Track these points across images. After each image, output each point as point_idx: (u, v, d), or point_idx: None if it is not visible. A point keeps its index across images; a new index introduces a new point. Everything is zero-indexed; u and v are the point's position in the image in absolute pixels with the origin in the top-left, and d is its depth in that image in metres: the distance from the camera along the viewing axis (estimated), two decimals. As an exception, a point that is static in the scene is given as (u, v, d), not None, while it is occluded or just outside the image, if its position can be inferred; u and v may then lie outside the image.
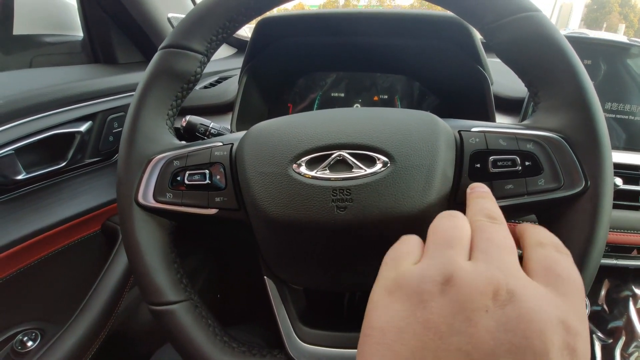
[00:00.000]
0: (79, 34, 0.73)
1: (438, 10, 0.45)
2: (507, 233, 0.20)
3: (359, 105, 0.65)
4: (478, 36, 0.51)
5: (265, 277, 0.33)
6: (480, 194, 0.24)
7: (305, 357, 0.31)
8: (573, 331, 0.16)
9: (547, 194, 0.27)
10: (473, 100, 0.53)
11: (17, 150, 0.48)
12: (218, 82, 0.69)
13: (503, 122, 0.42)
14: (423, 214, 0.26)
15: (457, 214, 0.21)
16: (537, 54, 0.28)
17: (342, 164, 0.28)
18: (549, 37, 0.28)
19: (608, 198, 0.26)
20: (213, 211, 0.31)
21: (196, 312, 0.32)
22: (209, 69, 0.61)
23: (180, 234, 0.35)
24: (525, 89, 0.50)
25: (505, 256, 0.18)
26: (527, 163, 0.27)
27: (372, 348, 0.17)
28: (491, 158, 0.28)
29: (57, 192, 0.54)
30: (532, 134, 0.28)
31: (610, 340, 0.54)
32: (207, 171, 0.31)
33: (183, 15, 0.35)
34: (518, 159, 0.27)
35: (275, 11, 0.47)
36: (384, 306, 0.18)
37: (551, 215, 0.28)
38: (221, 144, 0.32)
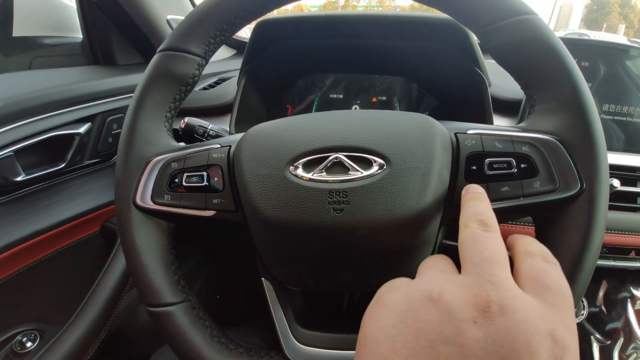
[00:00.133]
0: (79, 35, 0.74)
1: (436, 13, 0.46)
2: (500, 242, 0.20)
3: (357, 106, 0.66)
4: (475, 38, 0.51)
5: (262, 278, 0.33)
6: (474, 194, 0.24)
7: (302, 358, 0.31)
8: (561, 343, 0.16)
9: (543, 196, 0.27)
10: (471, 101, 0.54)
11: (16, 151, 0.48)
12: (217, 83, 0.69)
13: (500, 124, 0.42)
14: (419, 216, 0.26)
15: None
16: (532, 56, 0.28)
17: (338, 166, 0.28)
18: (544, 40, 0.28)
19: (603, 200, 0.26)
20: (210, 213, 0.31)
21: (194, 314, 0.32)
22: (208, 70, 0.61)
23: (178, 235, 0.35)
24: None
25: (496, 269, 0.18)
26: (522, 165, 0.27)
27: (367, 357, 0.18)
28: (487, 160, 0.28)
29: (56, 194, 0.54)
30: (527, 136, 0.28)
31: (609, 342, 0.54)
32: (204, 173, 0.31)
33: (182, 17, 0.35)
34: (514, 161, 0.27)
35: (275, 12, 0.47)
36: (376, 316, 0.19)
37: (547, 218, 0.28)
38: (219, 146, 0.33)
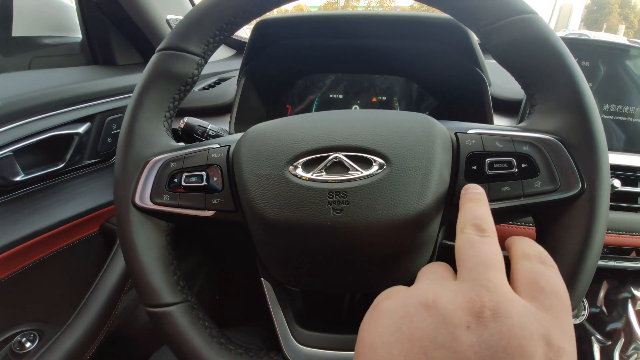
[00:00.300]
0: (78, 35, 0.74)
1: (436, 12, 0.45)
2: (496, 247, 0.20)
3: (357, 106, 0.65)
4: (475, 38, 0.51)
5: (262, 279, 0.33)
6: (473, 196, 0.24)
7: (302, 358, 0.31)
8: (555, 347, 0.16)
9: (544, 196, 0.27)
10: (471, 101, 0.53)
11: (15, 151, 0.48)
12: (217, 83, 0.69)
13: (500, 124, 0.42)
14: (419, 216, 0.26)
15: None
16: (533, 56, 0.28)
17: (338, 166, 0.28)
18: (545, 40, 0.28)
19: (605, 200, 0.26)
20: (210, 213, 0.31)
21: (193, 314, 0.32)
22: (207, 70, 0.61)
23: (177, 235, 0.35)
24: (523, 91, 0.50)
25: (491, 273, 0.18)
26: (523, 165, 0.27)
27: None
28: (487, 160, 0.28)
29: (56, 194, 0.54)
30: (528, 136, 0.28)
31: (609, 342, 0.54)
32: (204, 173, 0.31)
33: (181, 17, 0.35)
34: (514, 161, 0.27)
35: (275, 12, 0.47)
36: (373, 323, 0.19)
37: (548, 218, 0.28)
38: (218, 146, 0.32)
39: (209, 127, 0.48)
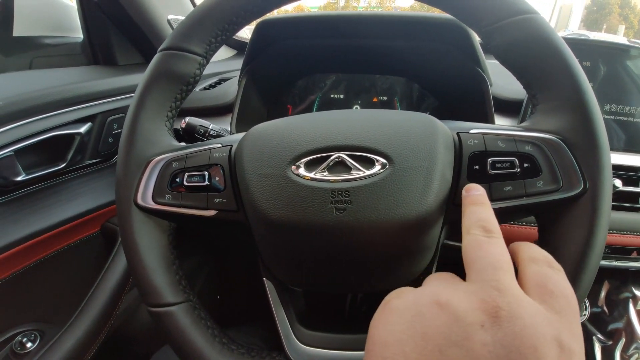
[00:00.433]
0: (79, 35, 0.74)
1: (437, 12, 0.45)
2: (503, 248, 0.20)
3: (358, 106, 0.66)
4: (477, 38, 0.51)
5: (264, 278, 0.33)
6: (475, 199, 0.24)
7: (304, 358, 0.31)
8: (567, 348, 0.16)
9: (546, 195, 0.27)
10: (472, 102, 0.53)
11: (16, 151, 0.48)
12: (218, 83, 0.69)
13: (502, 124, 0.42)
14: (422, 215, 0.26)
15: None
16: (535, 56, 0.28)
17: (340, 166, 0.28)
18: (546, 40, 0.28)
19: (607, 199, 0.26)
20: (212, 213, 0.31)
21: (195, 314, 0.32)
22: (208, 70, 0.61)
23: (179, 235, 0.35)
24: (524, 91, 0.50)
25: (501, 274, 0.18)
26: (525, 165, 0.27)
27: None
28: (490, 160, 0.28)
29: (57, 194, 0.54)
30: (530, 135, 0.28)
31: (610, 342, 0.54)
32: (206, 173, 0.31)
33: (182, 17, 0.35)
34: (517, 160, 0.27)
35: (275, 13, 0.47)
36: (384, 320, 0.19)
37: (550, 217, 0.28)
38: (220, 145, 0.32)
39: (210, 127, 0.48)
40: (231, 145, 0.32)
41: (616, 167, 0.49)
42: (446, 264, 0.33)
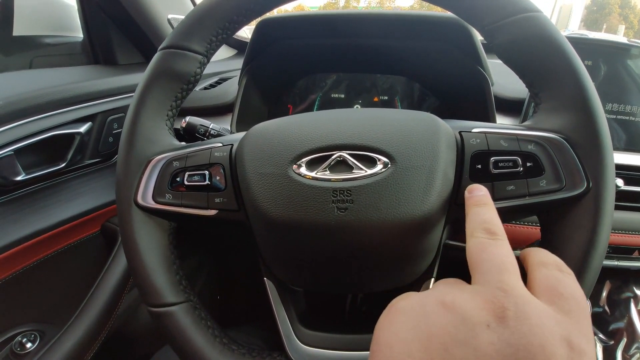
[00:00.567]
0: (79, 35, 0.74)
1: (438, 11, 0.45)
2: (508, 250, 0.20)
3: (359, 106, 0.65)
4: (478, 37, 0.51)
5: (265, 278, 0.33)
6: (478, 200, 0.24)
7: (305, 358, 0.31)
8: (577, 349, 0.16)
9: (549, 195, 0.27)
10: (473, 101, 0.53)
11: (16, 151, 0.48)
12: (218, 83, 0.69)
13: (504, 123, 0.42)
14: (424, 215, 0.26)
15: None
16: (538, 54, 0.28)
17: (342, 165, 0.27)
18: (550, 38, 0.28)
19: (610, 199, 0.26)
20: (212, 212, 0.31)
21: (195, 314, 0.32)
22: (209, 70, 0.61)
23: (179, 235, 0.35)
24: (526, 90, 0.50)
25: (506, 276, 0.18)
26: (528, 164, 0.27)
27: None
28: (492, 159, 0.27)
29: (57, 193, 0.54)
30: (533, 134, 0.28)
31: (612, 342, 0.54)
32: (206, 172, 0.31)
33: (183, 16, 0.35)
34: (519, 159, 0.27)
35: (275, 12, 0.47)
36: (389, 321, 0.19)
37: (552, 217, 0.28)
38: (221, 144, 0.32)
39: (210, 127, 0.48)
40: (232, 145, 0.32)
41: (617, 167, 0.49)
42: (447, 264, 0.33)
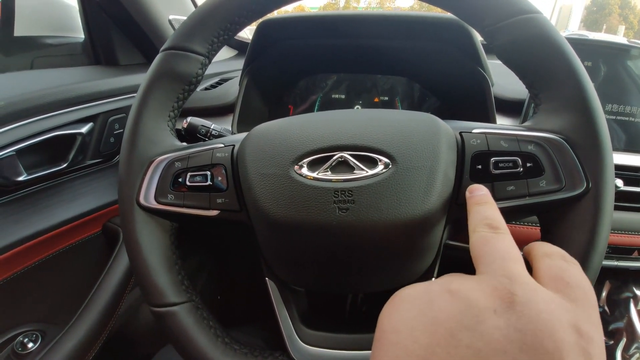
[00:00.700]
0: (80, 35, 0.74)
1: (438, 12, 0.45)
2: (511, 242, 0.20)
3: (359, 106, 0.66)
4: (478, 38, 0.51)
5: (266, 278, 0.33)
6: (479, 199, 0.24)
7: (307, 358, 0.31)
8: (586, 335, 0.16)
9: (549, 195, 0.27)
10: (473, 101, 0.54)
11: (18, 151, 0.48)
12: (219, 83, 0.69)
13: (504, 124, 0.42)
14: (425, 215, 0.26)
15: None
16: (538, 55, 0.28)
17: (343, 166, 0.28)
18: (550, 39, 0.28)
19: (609, 199, 0.26)
20: (214, 212, 0.31)
21: (198, 314, 0.32)
22: (209, 70, 0.61)
23: (181, 235, 0.35)
24: (526, 91, 0.50)
25: (511, 264, 0.18)
26: (528, 164, 0.27)
27: (386, 349, 0.18)
28: (492, 159, 0.28)
29: (58, 194, 0.54)
30: (533, 135, 0.28)
31: (611, 342, 0.54)
32: (208, 172, 0.31)
33: (184, 17, 0.35)
34: (519, 160, 0.27)
35: (276, 13, 0.47)
36: (394, 309, 0.19)
37: (552, 217, 0.28)
38: (222, 145, 0.32)
39: (212, 127, 0.48)
40: (233, 145, 0.32)
41: (617, 167, 0.49)
42: (448, 264, 0.33)
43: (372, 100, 0.65)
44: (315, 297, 0.37)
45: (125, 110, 0.61)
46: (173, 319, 0.31)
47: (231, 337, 0.33)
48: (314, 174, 0.27)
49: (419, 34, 0.55)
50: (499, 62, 0.32)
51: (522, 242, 0.51)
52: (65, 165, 0.54)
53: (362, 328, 0.32)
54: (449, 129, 0.29)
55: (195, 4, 0.82)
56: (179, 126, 0.46)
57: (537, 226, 0.47)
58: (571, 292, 0.18)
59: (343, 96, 0.66)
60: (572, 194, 0.26)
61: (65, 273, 0.55)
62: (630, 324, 0.52)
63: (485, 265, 0.19)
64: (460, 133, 0.29)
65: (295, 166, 0.28)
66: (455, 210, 0.28)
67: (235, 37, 0.89)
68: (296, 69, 0.63)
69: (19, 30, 0.69)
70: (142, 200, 0.32)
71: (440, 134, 0.28)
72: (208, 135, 0.48)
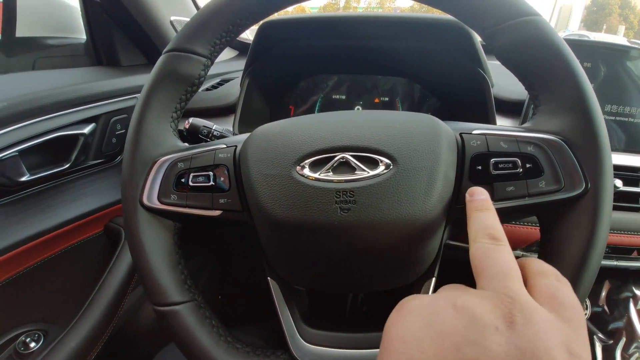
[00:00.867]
0: (82, 36, 0.74)
1: (438, 13, 0.46)
2: (510, 256, 0.21)
3: (360, 107, 0.66)
4: (478, 39, 0.51)
5: (268, 278, 0.34)
6: (480, 205, 0.25)
7: (309, 357, 0.31)
8: (576, 356, 0.17)
9: (548, 195, 0.27)
10: (473, 102, 0.54)
11: (21, 152, 0.48)
12: (220, 84, 0.69)
13: (504, 125, 0.42)
14: (425, 215, 0.27)
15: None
16: (537, 57, 0.29)
17: (345, 166, 0.28)
18: (549, 41, 0.28)
19: (608, 199, 0.26)
20: (217, 213, 0.31)
21: (200, 313, 0.32)
22: (211, 71, 0.61)
23: (184, 235, 0.35)
24: (525, 92, 0.50)
25: (511, 282, 0.19)
26: (527, 165, 0.28)
27: (395, 358, 0.18)
28: (492, 160, 0.28)
29: (61, 194, 0.54)
30: (532, 136, 0.28)
31: (611, 341, 0.54)
32: (211, 173, 0.32)
33: (185, 19, 0.35)
34: (519, 161, 0.28)
35: (277, 14, 0.47)
36: (402, 318, 0.20)
37: (551, 217, 0.29)
38: (225, 146, 0.33)
39: (213, 128, 0.48)
40: (236, 146, 0.32)
41: (616, 168, 0.49)
42: (448, 264, 0.33)
43: (372, 100, 0.66)
44: (317, 296, 0.38)
45: (127, 110, 0.62)
46: (176, 318, 0.31)
47: (233, 336, 0.33)
48: (316, 175, 0.28)
49: (419, 35, 0.55)
50: (498, 63, 0.32)
51: (521, 242, 0.52)
52: (67, 165, 0.54)
53: (363, 327, 0.32)
54: (449, 130, 0.29)
55: (196, 5, 0.82)
56: (180, 127, 0.47)
57: (537, 226, 0.47)
58: (565, 312, 0.19)
59: (344, 97, 0.66)
60: (571, 194, 0.27)
61: (67, 273, 0.55)
62: (630, 323, 0.52)
63: (487, 280, 0.20)
64: (461, 134, 0.29)
65: (297, 167, 0.28)
66: (455, 211, 0.28)
67: (237, 38, 0.90)
68: (297, 70, 0.64)
69: (21, 31, 0.69)
70: (145, 200, 0.32)
71: (440, 135, 0.28)
72: (210, 136, 0.48)
